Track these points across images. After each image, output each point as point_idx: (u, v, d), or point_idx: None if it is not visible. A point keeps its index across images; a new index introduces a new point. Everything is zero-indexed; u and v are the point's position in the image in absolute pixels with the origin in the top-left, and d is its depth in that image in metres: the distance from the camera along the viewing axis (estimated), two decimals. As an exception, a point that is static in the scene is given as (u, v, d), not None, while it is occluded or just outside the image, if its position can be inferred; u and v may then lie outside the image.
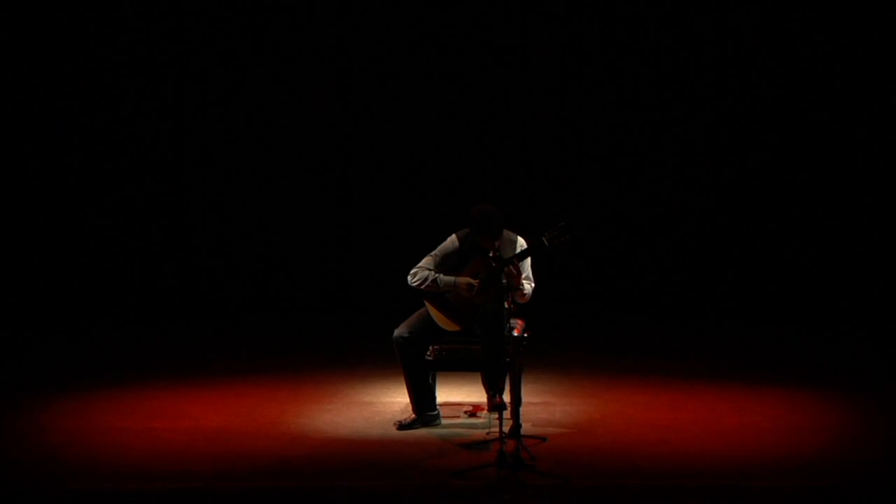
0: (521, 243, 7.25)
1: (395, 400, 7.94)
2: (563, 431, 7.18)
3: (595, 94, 12.04)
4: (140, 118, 12.10)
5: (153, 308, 12.00)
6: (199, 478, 6.28)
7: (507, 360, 6.97)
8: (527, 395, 7.60)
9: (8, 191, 11.90)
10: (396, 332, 7.24)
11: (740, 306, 11.84)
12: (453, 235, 7.27)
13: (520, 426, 6.59)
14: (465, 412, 7.61)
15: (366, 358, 9.41)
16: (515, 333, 7.11)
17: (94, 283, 12.04)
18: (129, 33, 11.97)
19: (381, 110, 12.16)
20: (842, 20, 11.58)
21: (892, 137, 11.63)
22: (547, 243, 6.88)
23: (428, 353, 7.27)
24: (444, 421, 7.35)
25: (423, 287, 7.20)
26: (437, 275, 7.17)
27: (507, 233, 7.20)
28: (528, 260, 7.20)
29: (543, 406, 7.82)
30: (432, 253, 7.25)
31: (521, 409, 6.89)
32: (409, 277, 7.23)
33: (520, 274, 7.06)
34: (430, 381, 7.36)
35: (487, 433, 7.03)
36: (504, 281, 6.84)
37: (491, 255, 6.89)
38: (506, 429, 6.58)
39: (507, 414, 6.78)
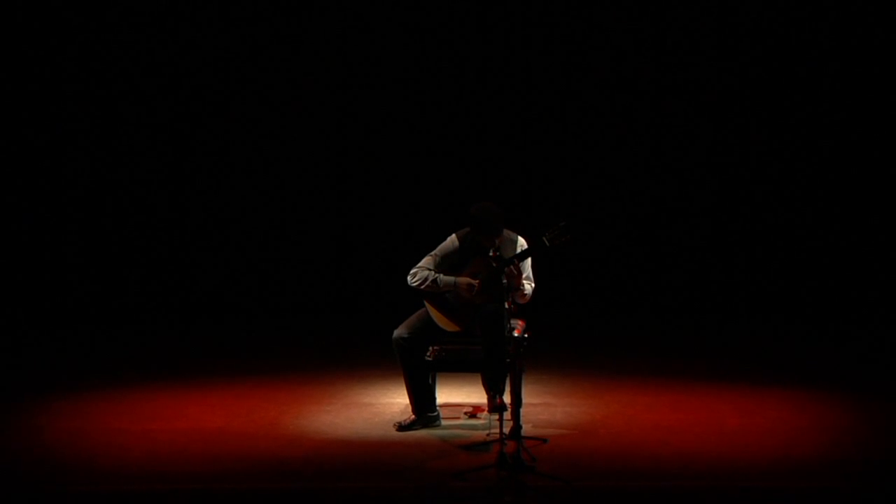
0: (522, 243, 7.24)
1: (395, 401, 7.93)
2: (564, 432, 7.17)
3: (596, 93, 12.02)
4: (139, 118, 12.09)
5: (151, 309, 11.98)
6: (198, 479, 6.27)
7: (508, 360, 6.95)
8: (527, 396, 7.59)
9: (6, 190, 11.88)
10: (396, 333, 7.23)
11: (742, 307, 11.83)
12: (453, 235, 7.26)
13: (520, 427, 6.56)
14: (466, 413, 7.59)
15: (365, 358, 9.40)
16: (516, 334, 7.09)
17: (92, 283, 12.02)
18: (128, 32, 11.96)
19: (381, 109, 12.14)
20: (854, 16, 11.54)
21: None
22: (547, 243, 6.86)
23: (428, 353, 7.26)
24: (444, 422, 7.34)
25: (422, 287, 7.18)
26: (436, 275, 7.15)
27: (507, 232, 7.19)
28: (529, 260, 7.18)
29: (544, 407, 7.81)
30: (432, 253, 7.24)
31: (522, 410, 6.86)
32: (408, 277, 7.22)
33: (520, 274, 7.04)
34: (430, 381, 7.35)
35: (488, 434, 7.01)
36: (504, 281, 6.82)
37: (491, 254, 6.87)
38: (506, 430, 6.56)
39: (507, 415, 6.76)
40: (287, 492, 6.11)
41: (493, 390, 6.96)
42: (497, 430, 6.60)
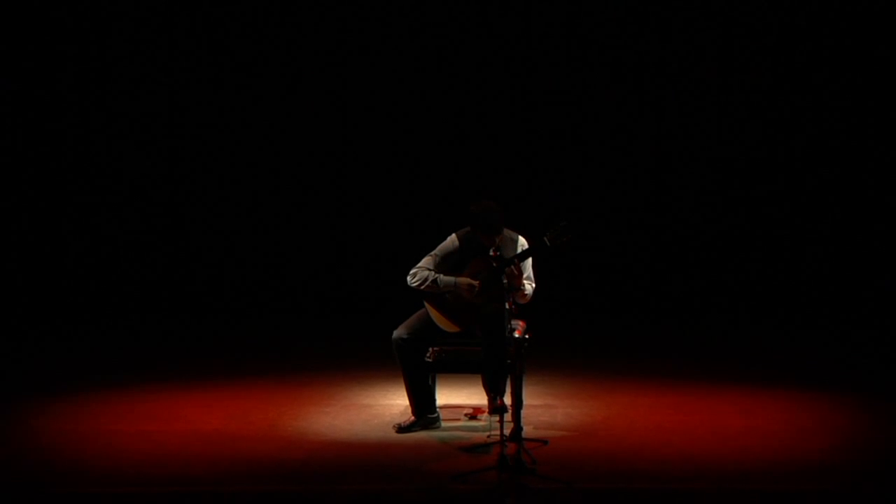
0: (522, 243, 7.22)
1: (395, 402, 7.91)
2: (565, 434, 7.15)
3: (597, 92, 12.00)
4: (137, 117, 12.08)
5: (148, 309, 11.97)
6: (195, 481, 6.24)
7: (508, 361, 6.92)
8: (528, 398, 7.57)
9: (2, 190, 11.82)
10: (395, 334, 7.20)
11: (744, 307, 11.81)
12: (453, 235, 7.24)
13: (521, 429, 6.53)
14: (466, 415, 7.58)
15: (364, 359, 9.39)
16: (516, 335, 7.07)
17: (89, 283, 12.00)
18: (125, 30, 11.97)
19: (381, 108, 12.13)
20: (858, 20, 11.52)
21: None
22: (548, 243, 6.84)
23: (428, 354, 7.24)
24: (444, 424, 7.32)
25: (422, 287, 7.16)
26: (436, 275, 7.13)
27: (508, 232, 7.17)
28: (530, 260, 7.16)
29: (545, 408, 7.79)
30: (432, 253, 7.22)
31: (523, 412, 6.81)
32: (408, 278, 7.19)
33: (521, 274, 7.01)
34: (430, 383, 7.32)
35: (488, 436, 6.98)
36: (505, 281, 6.80)
37: (492, 254, 6.85)
38: (507, 431, 6.54)
39: (507, 416, 6.74)
40: (286, 494, 6.08)
41: (494, 392, 6.94)
42: (497, 432, 6.58)
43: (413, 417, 7.23)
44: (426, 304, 7.21)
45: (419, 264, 7.19)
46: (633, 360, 9.59)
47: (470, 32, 12.02)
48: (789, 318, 11.52)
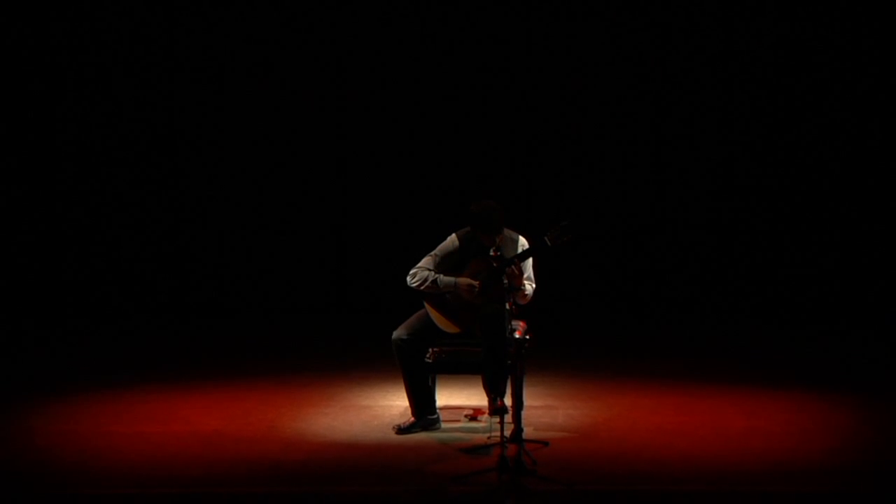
0: (523, 243, 7.20)
1: (394, 403, 7.88)
2: (566, 435, 7.12)
3: (598, 91, 11.99)
4: (136, 117, 12.05)
5: (146, 309, 11.95)
6: (193, 483, 6.22)
7: (509, 362, 6.90)
8: (528, 399, 7.54)
9: (1, 191, 11.80)
10: (395, 334, 7.18)
11: (746, 308, 11.80)
12: (453, 235, 7.22)
13: (521, 430, 6.52)
14: (466, 416, 7.56)
15: (364, 360, 9.36)
16: (517, 335, 7.05)
17: (86, 284, 11.98)
18: (123, 30, 11.94)
19: (380, 107, 12.11)
20: (861, 18, 11.50)
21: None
22: (549, 243, 6.83)
23: (427, 355, 7.21)
24: (443, 425, 7.30)
25: (422, 288, 7.13)
26: (436, 275, 7.11)
27: (508, 232, 7.16)
28: (530, 260, 7.14)
29: (545, 409, 7.77)
30: (432, 253, 7.20)
31: (523, 413, 6.80)
32: (408, 278, 7.17)
33: (521, 274, 6.98)
34: (430, 383, 7.30)
35: (488, 437, 6.96)
36: (505, 282, 6.78)
37: (492, 254, 6.83)
38: (507, 433, 6.52)
39: (508, 418, 6.71)
40: (284, 495, 6.06)
41: (494, 392, 6.91)
42: (498, 433, 6.56)
43: (413, 418, 7.21)
44: (426, 304, 7.18)
45: (419, 264, 7.17)
46: (634, 360, 9.56)
47: (470, 31, 12.00)
48: (791, 318, 11.49)
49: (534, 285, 7.16)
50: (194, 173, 12.18)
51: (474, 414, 7.54)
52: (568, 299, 11.85)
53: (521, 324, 7.25)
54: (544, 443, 6.86)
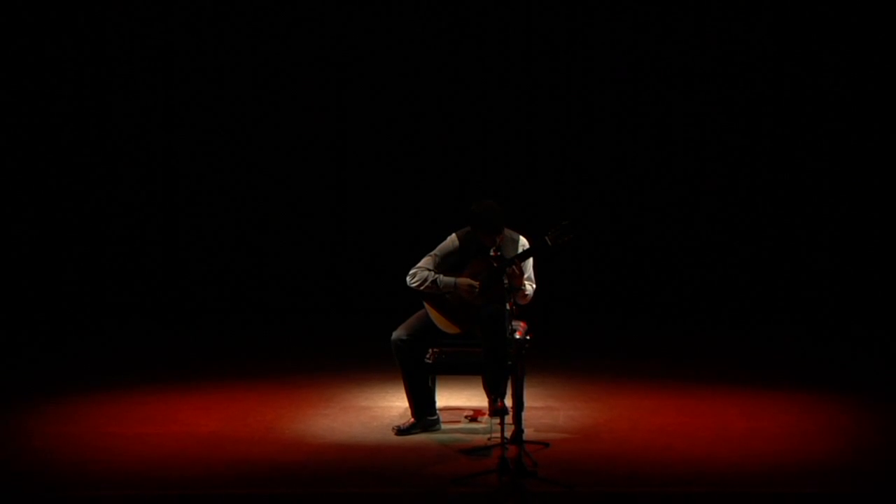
0: (524, 243, 7.18)
1: (394, 404, 7.86)
2: (567, 437, 7.10)
3: (599, 90, 11.97)
4: (134, 117, 12.03)
5: (144, 310, 11.93)
6: (192, 485, 6.20)
7: (509, 363, 6.87)
8: (529, 400, 7.52)
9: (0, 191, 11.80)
10: (395, 335, 7.16)
11: (748, 308, 11.78)
12: (453, 235, 7.20)
13: (522, 431, 6.50)
14: (466, 417, 7.53)
15: (363, 361, 9.35)
16: (517, 336, 7.03)
17: (84, 284, 11.95)
18: (122, 30, 11.94)
19: (380, 106, 12.09)
20: (863, 18, 11.50)
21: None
22: (550, 243, 6.81)
23: (427, 356, 7.19)
24: (444, 426, 7.28)
25: (422, 288, 7.11)
26: (436, 275, 7.09)
27: (508, 232, 7.14)
28: (531, 260, 7.11)
29: (546, 411, 7.74)
30: (432, 253, 7.18)
31: (524, 414, 6.81)
32: (407, 278, 7.15)
33: (522, 274, 6.96)
34: (430, 384, 7.28)
35: (489, 438, 6.94)
36: (505, 282, 6.76)
37: (492, 254, 6.81)
38: (507, 434, 6.51)
39: (508, 419, 6.70)
40: (283, 497, 6.04)
41: (494, 393, 6.89)
42: (498, 435, 6.55)
43: (412, 419, 7.18)
44: (426, 304, 7.16)
45: (419, 264, 7.15)
46: (635, 362, 9.54)
47: (471, 30, 11.98)
48: (793, 319, 11.47)
49: (534, 285, 7.14)
50: (193, 173, 12.15)
51: (474, 415, 7.52)
52: (568, 300, 11.84)
53: (521, 324, 7.24)
54: (545, 444, 6.83)
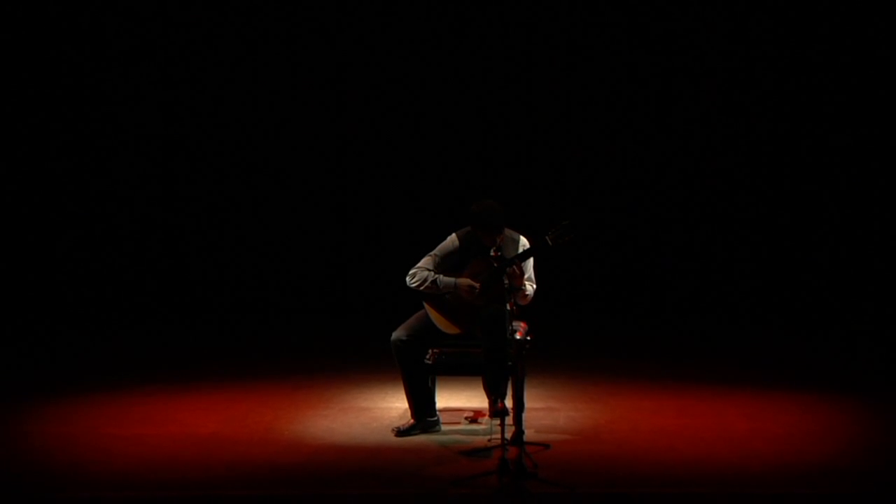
0: (524, 243, 7.16)
1: (394, 405, 7.84)
2: (568, 438, 7.08)
3: (599, 90, 11.97)
4: (134, 117, 12.02)
5: (142, 310, 11.92)
6: (190, 486, 6.18)
7: (510, 363, 6.84)
8: (530, 401, 7.51)
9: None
10: (394, 335, 7.13)
11: (750, 309, 11.77)
12: (453, 235, 7.18)
13: (522, 432, 6.46)
14: (466, 418, 7.51)
15: (363, 362, 9.34)
16: (518, 336, 7.01)
17: (82, 284, 11.95)
18: (121, 30, 11.93)
19: (379, 106, 12.09)
20: (861, 17, 11.49)
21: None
22: (550, 243, 6.79)
23: (427, 356, 7.17)
24: (443, 427, 7.26)
25: (422, 288, 7.09)
26: (436, 275, 7.07)
27: (509, 231, 7.12)
28: (531, 260, 7.09)
29: (547, 412, 7.72)
30: (432, 253, 7.16)
31: (524, 415, 6.79)
32: (407, 278, 7.13)
33: (522, 274, 6.93)
34: (430, 385, 7.26)
35: (489, 440, 6.92)
36: (506, 282, 6.73)
37: (492, 254, 6.80)
38: (508, 435, 6.49)
39: (509, 420, 6.69)
40: (283, 498, 6.03)
41: (495, 394, 6.87)
42: (498, 436, 6.53)
43: (412, 420, 7.16)
44: (425, 305, 7.14)
45: (418, 264, 7.13)
46: (636, 362, 9.53)
47: (471, 30, 11.97)
48: (796, 319, 11.47)
49: (535, 286, 7.12)
50: (190, 173, 12.13)
51: (475, 416, 7.50)
52: (569, 300, 11.82)
53: (521, 325, 7.22)
54: (545, 445, 6.81)
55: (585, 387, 8.52)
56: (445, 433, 7.16)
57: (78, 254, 11.96)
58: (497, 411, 6.74)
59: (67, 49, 11.81)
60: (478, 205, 6.98)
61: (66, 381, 8.82)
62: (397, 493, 6.05)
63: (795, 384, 8.56)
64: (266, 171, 12.13)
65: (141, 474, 6.35)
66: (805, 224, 11.80)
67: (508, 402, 6.80)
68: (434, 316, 7.10)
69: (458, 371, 7.26)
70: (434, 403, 7.25)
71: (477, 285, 6.98)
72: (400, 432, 7.11)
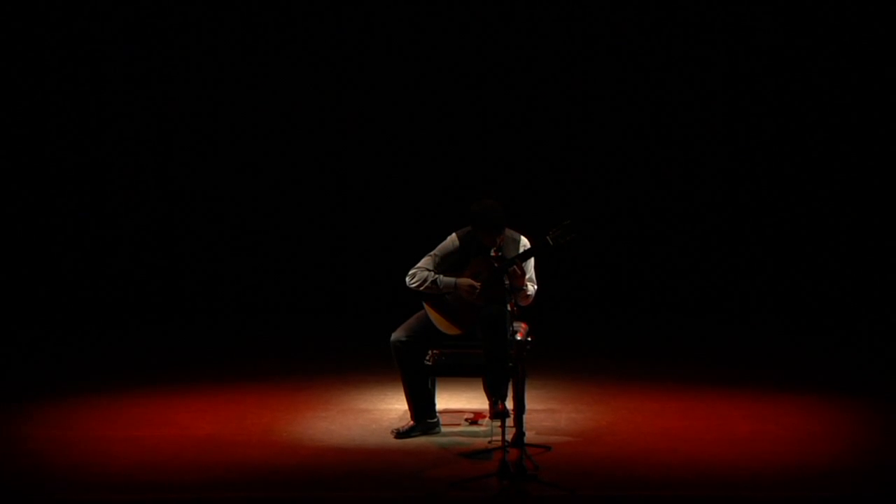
0: (525, 243, 7.14)
1: (393, 407, 7.82)
2: (569, 440, 7.05)
3: (600, 88, 11.97)
4: (131, 116, 12.02)
5: (139, 311, 11.91)
6: (188, 488, 6.15)
7: (510, 365, 6.83)
8: (530, 402, 7.49)
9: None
10: (394, 336, 7.11)
11: (753, 310, 11.77)
12: (454, 234, 7.16)
13: (523, 434, 6.44)
14: (466, 419, 7.49)
15: (362, 363, 9.32)
16: (518, 337, 6.99)
17: (78, 285, 11.95)
18: (117, 29, 11.93)
19: (379, 105, 12.10)
20: (867, 14, 11.48)
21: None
22: (551, 242, 6.76)
23: (427, 357, 7.15)
24: (443, 429, 7.23)
25: (421, 288, 7.07)
26: (436, 276, 7.05)
27: (509, 231, 7.10)
28: (532, 260, 7.07)
29: (548, 413, 7.70)
30: (432, 253, 7.14)
31: (525, 417, 6.74)
32: (407, 278, 7.11)
33: (524, 274, 6.88)
34: (430, 387, 7.23)
35: (489, 442, 6.90)
36: (506, 282, 6.71)
37: (493, 254, 6.78)
38: (508, 437, 6.47)
39: (509, 421, 6.66)
40: (281, 501, 6.01)
41: (495, 396, 6.84)
42: (499, 438, 6.52)
43: (412, 422, 7.14)
44: (425, 305, 7.11)
45: (418, 264, 7.10)
46: (638, 363, 9.52)
47: (471, 29, 11.96)
48: (799, 320, 11.46)
49: (535, 286, 7.10)
50: (187, 173, 12.11)
51: (475, 417, 7.48)
52: (570, 301, 11.81)
53: (522, 325, 7.19)
54: (546, 447, 6.79)
55: (587, 388, 8.50)
56: (445, 435, 7.13)
57: (74, 255, 11.96)
58: (497, 413, 6.72)
59: (66, 48, 11.80)
60: (478, 204, 6.95)
61: (62, 383, 8.79)
62: (397, 495, 6.03)
63: (798, 386, 8.54)
64: (265, 170, 12.12)
65: (138, 476, 6.31)
66: (807, 224, 11.79)
67: (509, 404, 6.77)
68: (434, 316, 7.07)
69: (459, 372, 7.25)
70: (434, 405, 7.23)
71: (477, 285, 6.95)
72: (399, 434, 7.08)
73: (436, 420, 7.20)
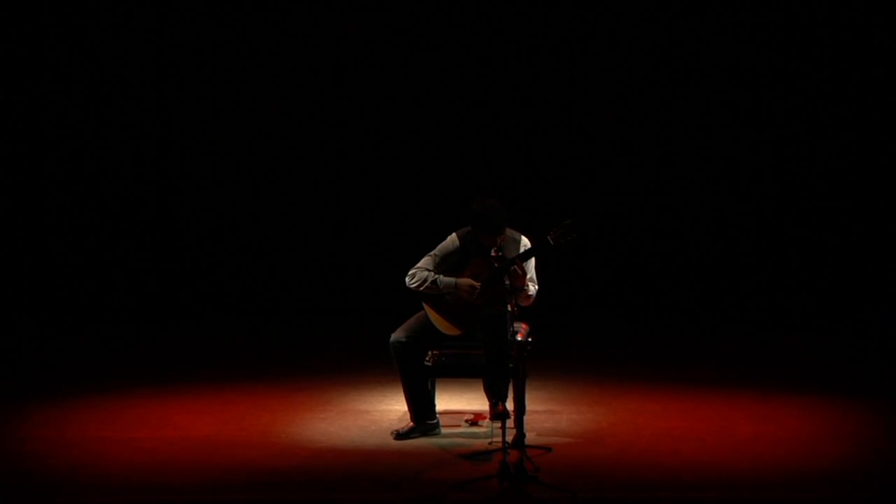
0: (525, 243, 7.13)
1: (393, 408, 7.82)
2: (570, 441, 7.04)
3: (601, 87, 11.97)
4: (133, 115, 12.02)
5: (137, 311, 11.90)
6: (186, 490, 6.13)
7: (511, 365, 6.81)
8: (531, 403, 7.46)
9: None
10: (394, 337, 7.09)
11: (754, 311, 11.76)
12: (454, 234, 7.15)
13: (523, 436, 6.41)
14: (466, 421, 7.48)
15: (362, 363, 9.32)
16: (519, 338, 6.97)
17: (76, 285, 11.93)
18: (113, 28, 11.93)
19: (379, 104, 12.10)
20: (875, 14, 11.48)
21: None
22: (552, 242, 6.76)
23: (427, 358, 7.14)
24: (443, 430, 7.22)
25: (421, 289, 7.05)
26: (436, 276, 7.03)
27: (510, 232, 7.09)
28: (533, 261, 7.05)
29: (549, 414, 7.69)
30: (432, 253, 7.13)
31: (525, 418, 6.70)
32: (407, 278, 7.09)
33: (525, 275, 6.86)
34: (430, 387, 7.22)
35: (489, 443, 6.89)
36: (507, 282, 6.69)
37: (493, 254, 6.77)
38: (509, 438, 6.45)
39: (510, 423, 6.64)
40: (280, 502, 6.00)
41: (496, 397, 6.82)
42: (499, 439, 6.50)
43: (412, 423, 7.13)
44: (425, 305, 7.10)
45: (418, 265, 7.09)
46: (639, 364, 9.52)
47: (471, 29, 11.97)
48: (801, 322, 11.46)
49: (536, 286, 7.08)
50: (186, 172, 12.10)
51: (475, 419, 7.47)
52: (571, 301, 11.80)
53: (523, 326, 7.17)
54: (547, 448, 6.78)
55: (588, 389, 8.50)
56: (445, 436, 7.12)
57: (73, 255, 11.95)
58: (498, 414, 6.70)
59: (64, 47, 11.79)
60: (478, 204, 6.94)
61: (59, 384, 8.77)
62: (396, 497, 6.01)
63: (800, 387, 8.54)
64: (264, 170, 12.11)
65: (136, 479, 6.29)
66: (809, 225, 11.77)
67: (509, 405, 6.75)
68: (434, 317, 7.05)
69: (459, 373, 7.24)
70: (434, 406, 7.21)
71: (478, 285, 6.94)
72: (399, 435, 7.06)
73: (436, 421, 7.18)
